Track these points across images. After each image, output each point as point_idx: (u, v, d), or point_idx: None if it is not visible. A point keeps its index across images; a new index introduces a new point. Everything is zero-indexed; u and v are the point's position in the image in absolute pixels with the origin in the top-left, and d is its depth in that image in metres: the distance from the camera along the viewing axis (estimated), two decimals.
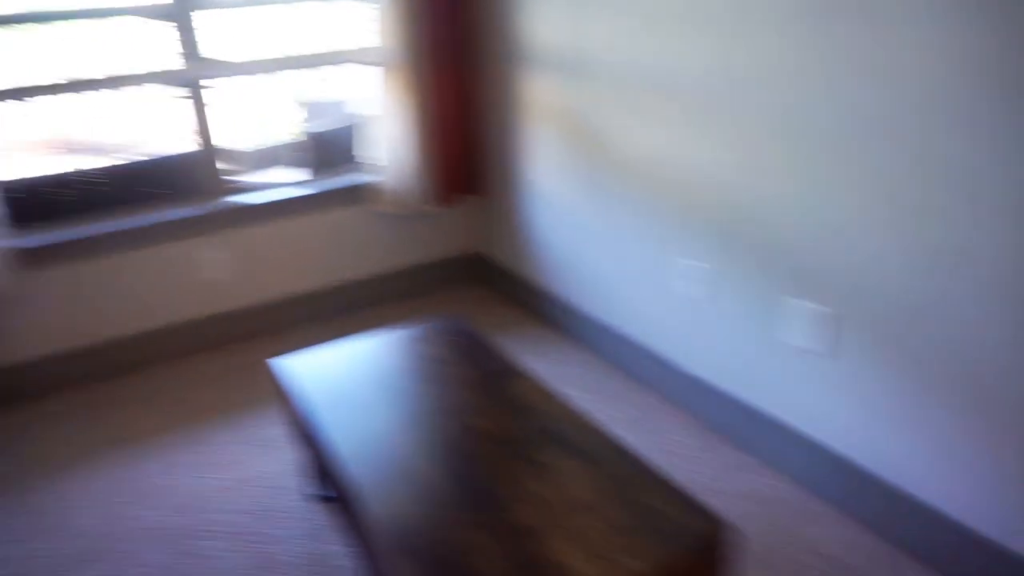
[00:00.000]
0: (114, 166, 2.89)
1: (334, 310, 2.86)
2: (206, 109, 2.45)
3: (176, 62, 2.37)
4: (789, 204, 1.64)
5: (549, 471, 1.22)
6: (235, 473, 1.93)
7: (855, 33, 1.41)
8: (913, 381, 1.47)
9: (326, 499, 1.80)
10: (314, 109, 4.07)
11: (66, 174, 2.71)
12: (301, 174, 2.92)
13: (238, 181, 2.64)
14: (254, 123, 4.41)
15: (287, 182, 2.73)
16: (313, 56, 2.63)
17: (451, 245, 3.05)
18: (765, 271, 1.74)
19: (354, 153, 2.89)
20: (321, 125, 3.33)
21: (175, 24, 2.33)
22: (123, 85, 2.33)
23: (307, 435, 1.51)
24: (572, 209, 2.42)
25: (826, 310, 1.61)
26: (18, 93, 2.19)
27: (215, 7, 2.40)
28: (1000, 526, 1.37)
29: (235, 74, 2.48)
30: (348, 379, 1.55)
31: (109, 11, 2.29)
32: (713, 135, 1.79)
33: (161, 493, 1.87)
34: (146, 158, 2.98)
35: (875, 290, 1.50)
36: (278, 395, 2.29)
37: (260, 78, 2.57)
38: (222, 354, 2.58)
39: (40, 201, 2.56)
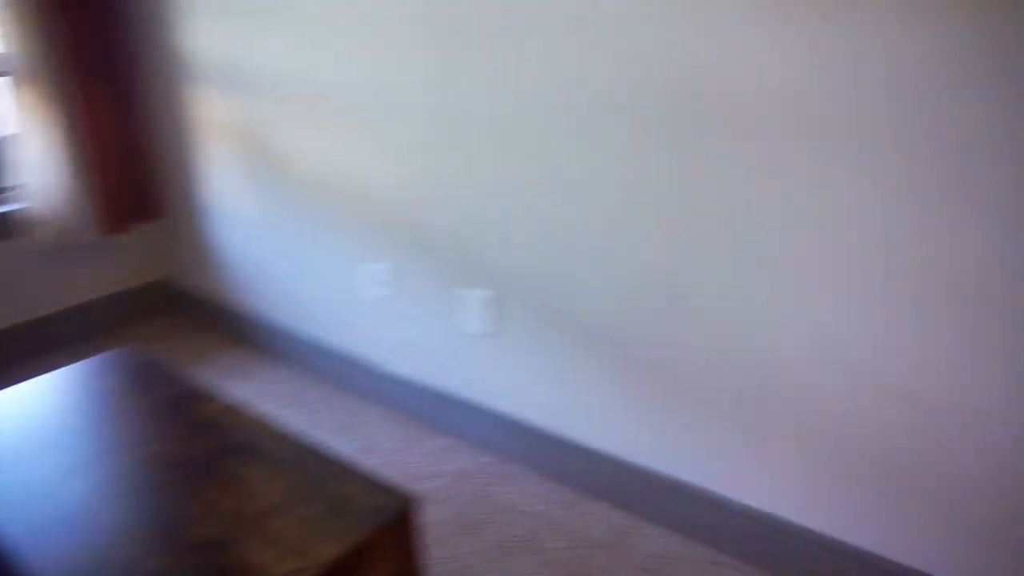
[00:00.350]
0: None
1: None
2: None
3: None
4: (452, 203, 1.81)
5: (238, 483, 1.21)
6: None
7: (487, 51, 1.61)
8: (565, 345, 1.72)
9: None
10: None
11: None
12: None
13: None
14: None
15: None
16: None
17: (133, 275, 2.80)
18: (440, 266, 1.90)
19: None
20: None
21: None
22: None
23: None
24: (260, 226, 2.38)
25: (491, 294, 1.81)
26: None
27: None
28: (647, 453, 1.67)
29: None
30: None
31: None
32: (379, 144, 1.90)
33: None
34: None
35: (528, 271, 1.72)
36: None
37: None
38: None
39: None
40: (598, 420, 1.72)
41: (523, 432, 1.87)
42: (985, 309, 1.16)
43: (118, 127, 2.54)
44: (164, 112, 2.54)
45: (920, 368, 1.25)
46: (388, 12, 1.75)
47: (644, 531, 1.65)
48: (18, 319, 2.50)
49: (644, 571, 1.54)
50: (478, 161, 1.72)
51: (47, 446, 1.32)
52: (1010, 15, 1.04)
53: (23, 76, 2.24)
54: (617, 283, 1.58)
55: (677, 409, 1.58)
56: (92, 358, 1.64)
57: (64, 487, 1.20)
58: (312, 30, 1.94)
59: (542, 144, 1.60)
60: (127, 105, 2.55)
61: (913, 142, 1.16)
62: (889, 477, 1.34)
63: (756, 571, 1.52)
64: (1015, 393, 1.17)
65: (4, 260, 2.42)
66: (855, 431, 1.35)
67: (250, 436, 1.33)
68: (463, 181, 1.77)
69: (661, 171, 1.44)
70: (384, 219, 1.98)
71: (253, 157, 2.29)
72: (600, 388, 1.69)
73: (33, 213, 2.38)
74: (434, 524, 1.70)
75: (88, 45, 2.39)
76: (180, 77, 2.40)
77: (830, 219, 1.27)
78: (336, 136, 2.01)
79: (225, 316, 2.66)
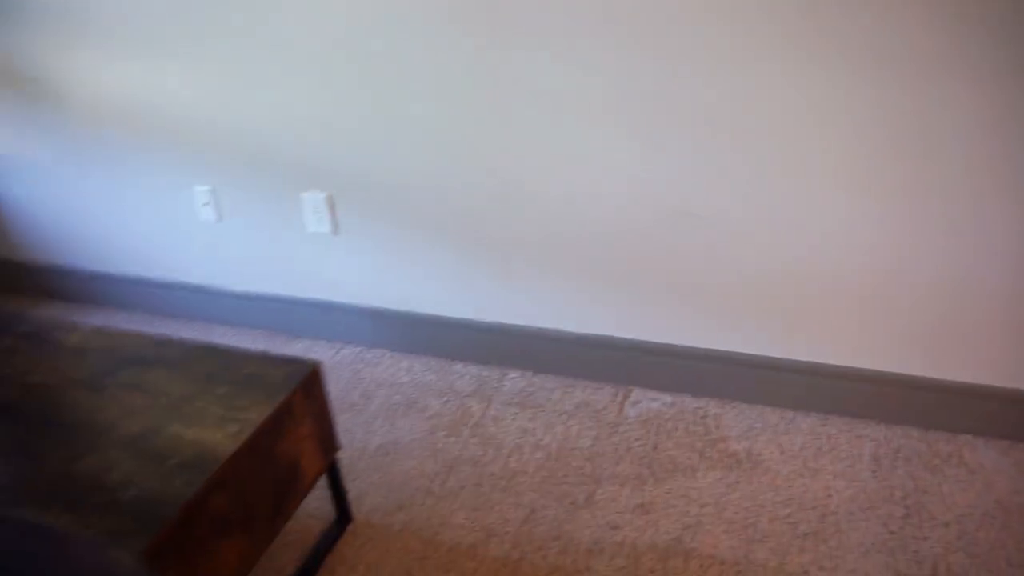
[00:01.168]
0: None
1: None
2: None
3: None
4: (280, 113, 1.84)
5: (140, 388, 1.25)
6: None
7: None
8: (403, 232, 1.87)
9: None
10: None
11: None
12: None
13: None
14: None
15: None
16: None
17: None
18: (274, 176, 1.94)
19: None
20: None
21: None
22: None
23: None
24: (49, 170, 2.21)
25: (329, 194, 1.90)
26: None
27: None
28: (495, 311, 1.90)
29: None
30: None
31: None
32: (183, 66, 1.86)
33: None
34: None
35: (362, 170, 1.83)
36: None
37: None
38: None
39: None
40: (444, 292, 1.92)
41: (379, 318, 2.03)
42: (720, 144, 1.50)
43: None
44: None
45: (693, 189, 1.58)
46: None
47: (506, 376, 1.91)
48: None
49: (512, 404, 1.80)
50: (297, 70, 1.77)
51: None
52: None
53: None
54: (444, 162, 1.75)
55: (514, 266, 1.82)
56: None
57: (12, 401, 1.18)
58: None
59: (352, 47, 1.69)
60: None
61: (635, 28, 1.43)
62: (688, 277, 1.69)
63: (601, 387, 1.85)
64: (754, 205, 1.54)
65: None
66: (660, 248, 1.68)
67: (132, 350, 1.37)
68: (282, 92, 1.81)
69: (466, 64, 1.60)
70: (202, 140, 1.96)
71: (21, 97, 2.10)
72: (440, 263, 1.88)
73: None
74: None
75: None
76: None
77: (603, 91, 1.52)
78: (131, 63, 1.91)
79: (32, 275, 2.46)
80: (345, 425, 1.77)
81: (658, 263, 1.69)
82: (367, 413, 1.81)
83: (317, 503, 1.52)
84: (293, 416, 1.24)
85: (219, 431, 1.13)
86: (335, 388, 1.91)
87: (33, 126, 2.15)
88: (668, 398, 1.79)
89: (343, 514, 1.47)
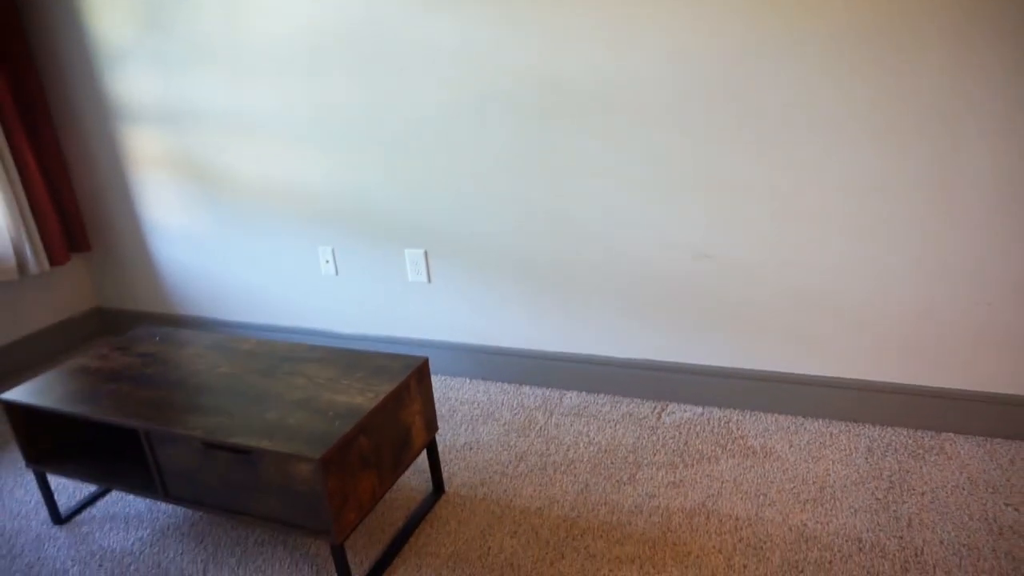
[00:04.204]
0: None
1: None
2: None
3: None
4: (388, 188, 2.39)
5: (299, 374, 1.73)
6: None
7: (387, 76, 2.22)
8: (487, 278, 2.36)
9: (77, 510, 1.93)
10: None
11: None
12: None
13: None
14: None
15: None
16: None
17: (62, 307, 3.08)
18: (379, 236, 2.47)
19: None
20: None
21: None
22: None
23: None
24: (204, 240, 2.81)
25: (424, 250, 2.42)
26: None
27: None
28: (558, 342, 2.34)
29: None
30: (58, 392, 1.77)
31: None
32: (316, 153, 2.45)
33: None
34: None
35: (451, 229, 2.35)
36: None
37: None
38: None
39: None
40: (515, 328, 2.38)
41: (461, 351, 2.49)
42: (741, 200, 1.94)
43: (51, 168, 2.86)
44: (98, 151, 2.89)
45: (711, 238, 2.02)
46: (302, 47, 2.32)
47: (565, 395, 2.33)
48: None
49: (570, 415, 2.21)
50: (402, 154, 2.33)
51: (102, 393, 1.76)
52: None
53: None
54: (516, 222, 2.24)
55: (571, 304, 2.27)
56: (125, 335, 2.06)
57: (210, 383, 1.67)
58: (228, 72, 2.44)
59: (447, 135, 2.23)
60: (55, 148, 2.88)
61: (696, 116, 1.92)
62: (714, 308, 2.10)
63: (643, 401, 2.24)
64: (772, 247, 1.96)
65: None
66: (689, 285, 2.10)
67: (288, 352, 1.86)
68: (390, 172, 2.36)
69: (534, 138, 2.12)
70: (326, 210, 2.53)
71: (194, 181, 2.73)
72: (512, 304, 2.35)
73: None
74: None
75: (12, 100, 2.70)
76: (113, 120, 2.78)
77: (643, 158, 2.01)
78: (269, 155, 2.52)
79: (173, 324, 3.03)
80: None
81: (687, 298, 2.11)
82: (453, 422, 2.24)
83: (418, 482, 1.94)
84: (409, 393, 1.69)
85: (360, 396, 1.60)
86: None
87: (196, 202, 2.77)
88: (699, 409, 2.17)
89: (438, 487, 1.89)
